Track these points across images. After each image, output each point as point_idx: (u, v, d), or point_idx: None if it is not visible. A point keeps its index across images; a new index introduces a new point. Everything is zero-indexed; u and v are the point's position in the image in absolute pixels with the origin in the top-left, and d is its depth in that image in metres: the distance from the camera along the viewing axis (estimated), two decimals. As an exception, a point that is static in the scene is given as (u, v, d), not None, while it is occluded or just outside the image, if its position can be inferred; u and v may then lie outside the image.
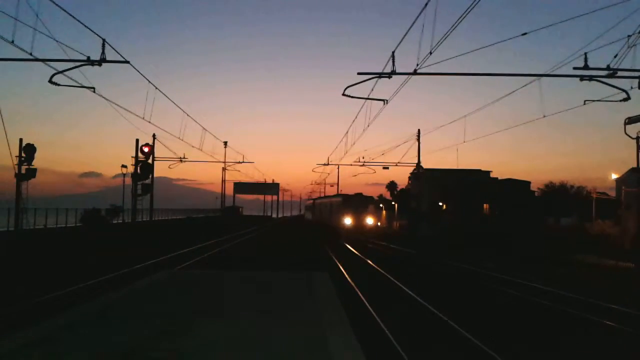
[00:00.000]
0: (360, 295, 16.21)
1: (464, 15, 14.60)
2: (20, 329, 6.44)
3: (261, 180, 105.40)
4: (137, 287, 9.98)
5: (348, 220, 53.50)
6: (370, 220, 55.95)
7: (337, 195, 64.02)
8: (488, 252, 33.88)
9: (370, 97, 21.68)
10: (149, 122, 28.09)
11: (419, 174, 50.46)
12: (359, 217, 54.12)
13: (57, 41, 18.32)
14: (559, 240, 39.11)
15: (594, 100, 21.82)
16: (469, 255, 31.56)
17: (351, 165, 54.03)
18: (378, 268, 24.41)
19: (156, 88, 25.16)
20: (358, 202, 56.50)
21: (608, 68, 18.36)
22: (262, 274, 12.79)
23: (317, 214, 75.17)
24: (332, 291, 9.10)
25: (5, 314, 13.09)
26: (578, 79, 19.22)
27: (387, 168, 51.07)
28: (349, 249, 37.48)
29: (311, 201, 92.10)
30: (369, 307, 14.22)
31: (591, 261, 29.10)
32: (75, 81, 20.55)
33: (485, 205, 55.58)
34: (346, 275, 20.87)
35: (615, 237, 37.29)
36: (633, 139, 28.44)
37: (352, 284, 18.64)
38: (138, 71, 22.21)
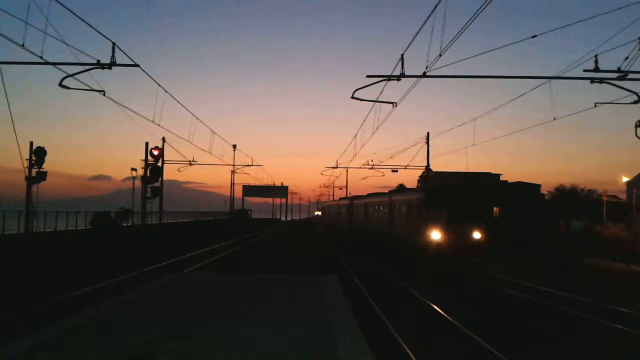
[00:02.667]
0: None
1: (473, 18, 14.53)
2: (29, 333, 6.45)
3: (270, 183, 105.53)
4: (144, 291, 9.99)
5: (436, 235, 26.29)
6: (477, 235, 26.62)
7: (410, 190, 36.85)
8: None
9: (379, 99, 21.60)
10: (159, 125, 28.11)
11: (428, 177, 50.22)
12: (460, 228, 26.38)
13: (67, 45, 18.37)
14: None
15: (604, 103, 21.68)
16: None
17: (360, 168, 53.60)
18: None
19: (165, 91, 25.21)
20: (461, 201, 27.63)
21: (619, 70, 18.22)
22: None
23: (358, 220, 48.31)
24: None
25: (12, 316, 13.16)
26: (588, 81, 19.10)
27: (396, 171, 50.77)
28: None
29: (345, 201, 60.72)
30: None
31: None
32: (85, 84, 20.61)
33: (494, 208, 55.19)
34: None
35: (626, 240, 36.98)
36: (644, 141, 28.16)
37: None
38: (148, 74, 22.28)
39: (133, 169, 46.14)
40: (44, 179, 31.64)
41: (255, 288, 10.57)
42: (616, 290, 21.42)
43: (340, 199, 72.36)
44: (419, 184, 51.44)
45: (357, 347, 6.09)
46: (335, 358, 5.59)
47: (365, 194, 53.37)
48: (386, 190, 48.16)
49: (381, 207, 38.86)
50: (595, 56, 18.09)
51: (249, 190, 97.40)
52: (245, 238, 51.66)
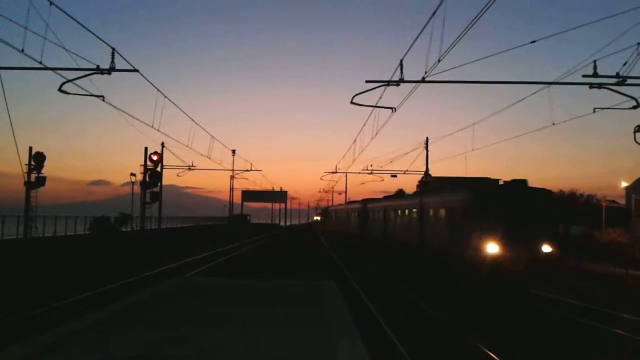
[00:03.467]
0: None
1: (472, 23, 14.57)
2: (25, 338, 6.46)
3: (269, 188, 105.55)
4: (145, 296, 9.99)
5: (493, 248, 20.47)
6: (547, 248, 20.73)
7: (449, 190, 26.10)
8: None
9: (378, 105, 21.64)
10: (158, 130, 28.16)
11: (428, 182, 50.16)
12: (524, 239, 20.61)
13: (66, 50, 18.42)
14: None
15: (603, 108, 21.73)
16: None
17: (359, 173, 53.79)
18: None
19: (165, 96, 25.25)
20: (522, 205, 21.63)
21: (617, 76, 18.27)
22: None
23: (374, 226, 41.36)
24: None
25: (11, 321, 13.14)
26: (587, 86, 19.15)
27: (396, 176, 50.80)
28: None
29: (356, 204, 51.51)
30: None
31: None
32: (85, 90, 20.65)
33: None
34: None
35: (626, 245, 37.01)
36: (643, 147, 28.16)
37: None
38: (147, 80, 22.33)
39: (132, 174, 46.18)
40: (43, 184, 31.65)
41: (254, 293, 10.58)
42: (615, 295, 21.44)
43: (349, 202, 63.29)
44: (417, 189, 48.25)
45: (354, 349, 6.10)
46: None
47: (365, 197, 50.34)
48: (382, 195, 45.70)
49: (407, 212, 32.56)
50: (594, 62, 18.17)
51: (248, 195, 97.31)
52: (244, 243, 51.64)
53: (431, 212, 27.27)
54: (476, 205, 21.88)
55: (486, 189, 23.39)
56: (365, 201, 47.61)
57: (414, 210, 30.32)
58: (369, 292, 20.40)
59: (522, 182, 22.20)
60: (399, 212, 34.43)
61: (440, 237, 25.01)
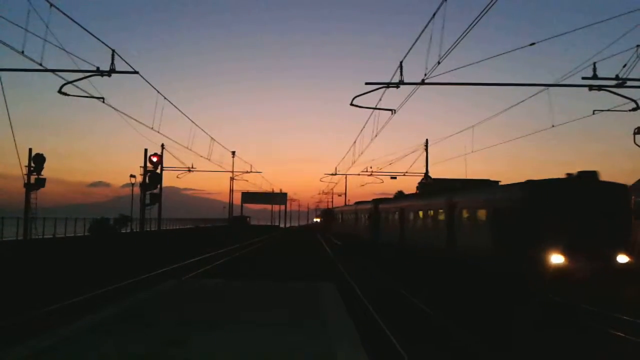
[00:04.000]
0: None
1: (472, 25, 14.59)
2: (26, 340, 6.45)
3: (269, 190, 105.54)
4: (143, 297, 9.98)
5: (557, 258, 16.59)
6: (623, 258, 17.17)
7: (488, 186, 24.24)
8: None
9: (378, 107, 21.67)
10: (158, 132, 28.20)
11: (427, 183, 50.02)
12: (595, 247, 16.92)
13: (66, 52, 18.45)
14: None
15: (603, 110, 21.73)
16: None
17: (359, 175, 53.79)
18: None
19: (165, 98, 25.26)
20: (589, 205, 17.68)
21: (617, 78, 18.30)
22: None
23: (389, 230, 36.77)
24: None
25: (15, 322, 13.12)
26: (587, 88, 19.16)
27: (395, 178, 50.86)
28: None
29: (366, 205, 46.33)
30: None
31: None
32: (85, 91, 20.68)
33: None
34: None
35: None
36: (643, 149, 28.14)
37: None
38: (147, 81, 22.35)
39: (132, 176, 46.17)
40: (43, 186, 31.65)
41: (252, 295, 10.57)
42: (613, 296, 21.40)
43: (358, 202, 56.83)
44: (417, 191, 45.68)
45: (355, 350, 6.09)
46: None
47: (363, 199, 49.25)
48: (380, 197, 43.80)
49: (432, 213, 27.66)
50: (594, 64, 18.18)
51: (248, 197, 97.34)
52: (244, 245, 51.59)
53: (465, 212, 23.03)
54: (535, 205, 17.90)
55: (547, 184, 18.78)
56: (377, 201, 42.53)
57: (441, 210, 25.93)
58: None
59: (592, 175, 18.49)
60: (421, 213, 29.64)
61: (478, 243, 21.00)
